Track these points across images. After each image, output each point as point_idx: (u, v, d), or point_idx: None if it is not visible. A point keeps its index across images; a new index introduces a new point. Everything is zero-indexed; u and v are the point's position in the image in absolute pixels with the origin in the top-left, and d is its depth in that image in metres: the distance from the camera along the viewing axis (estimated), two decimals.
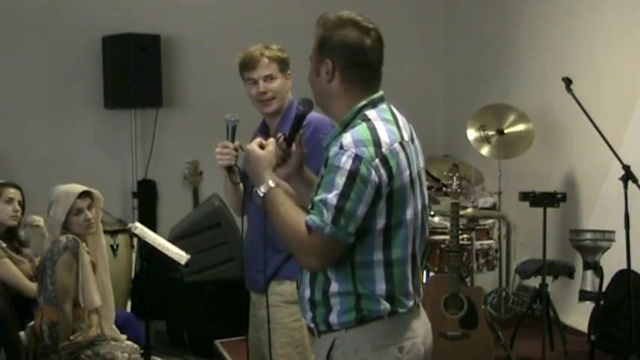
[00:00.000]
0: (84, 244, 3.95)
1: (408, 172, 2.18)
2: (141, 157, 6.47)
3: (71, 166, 6.11)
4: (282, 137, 2.34)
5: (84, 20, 6.22)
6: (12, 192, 4.38)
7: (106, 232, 4.49)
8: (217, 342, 5.11)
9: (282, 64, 3.11)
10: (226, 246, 5.08)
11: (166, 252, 3.98)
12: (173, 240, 4.57)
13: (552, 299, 5.05)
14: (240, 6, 6.66)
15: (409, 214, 2.19)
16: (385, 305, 2.20)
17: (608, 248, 4.79)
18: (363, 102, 2.24)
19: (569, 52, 5.84)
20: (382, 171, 2.11)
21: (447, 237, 4.79)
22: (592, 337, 4.60)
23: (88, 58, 6.27)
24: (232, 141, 3.05)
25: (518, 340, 5.03)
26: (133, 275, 5.81)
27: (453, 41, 7.31)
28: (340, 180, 2.09)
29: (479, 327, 4.56)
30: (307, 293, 2.28)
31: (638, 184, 4.25)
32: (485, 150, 5.76)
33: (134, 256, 5.74)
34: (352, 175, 2.09)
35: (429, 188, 5.49)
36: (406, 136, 2.24)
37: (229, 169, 3.04)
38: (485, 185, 6.20)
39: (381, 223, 2.15)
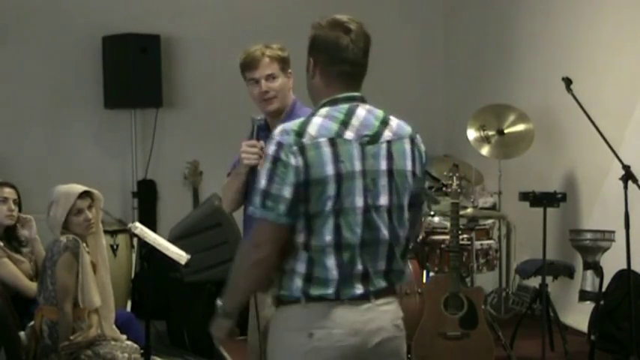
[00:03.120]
0: (84, 244, 3.95)
1: (332, 167, 2.29)
2: (141, 157, 6.48)
3: (71, 166, 6.11)
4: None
5: (84, 20, 6.23)
6: (7, 191, 4.37)
7: (106, 232, 4.49)
8: None
9: (283, 63, 3.13)
10: (226, 246, 5.08)
11: (166, 252, 3.98)
12: (173, 240, 4.57)
13: (552, 299, 5.05)
14: (240, 6, 6.67)
15: (329, 205, 2.29)
16: (298, 284, 2.31)
17: (608, 248, 4.79)
18: (324, 100, 2.39)
19: (570, 52, 5.84)
20: (299, 158, 2.27)
21: (447, 237, 4.79)
22: (592, 337, 4.60)
23: (88, 58, 6.27)
24: (257, 140, 3.04)
25: (518, 340, 5.03)
26: (133, 275, 5.81)
27: (453, 41, 7.31)
28: (267, 166, 2.30)
29: (479, 327, 4.56)
30: None
31: (638, 184, 4.25)
32: (485, 150, 5.76)
33: (134, 256, 5.74)
34: (275, 160, 2.28)
35: (429, 188, 5.49)
36: (350, 135, 2.33)
37: (252, 169, 3.01)
38: (485, 185, 6.20)
39: (302, 209, 2.29)
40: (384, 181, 2.36)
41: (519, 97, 6.15)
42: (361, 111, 2.39)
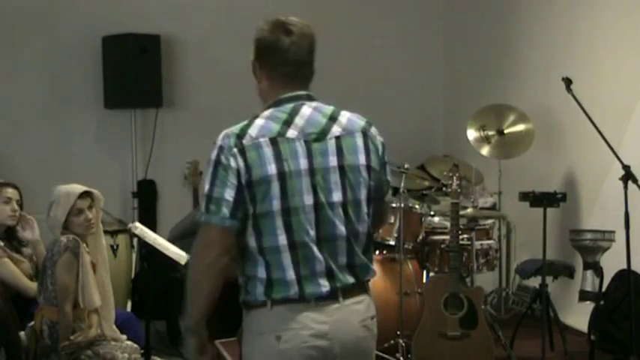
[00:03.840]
0: (84, 245, 3.95)
1: (274, 166, 2.30)
2: (141, 157, 6.48)
3: (71, 166, 6.11)
4: None
5: (84, 20, 6.23)
6: (10, 192, 4.38)
7: (106, 232, 4.49)
8: (217, 342, 5.11)
9: None
10: None
11: (166, 252, 3.98)
12: (173, 240, 4.57)
13: (552, 299, 5.05)
14: (240, 6, 6.66)
15: (276, 205, 2.30)
16: (260, 289, 2.33)
17: (608, 248, 4.79)
18: (270, 102, 2.42)
19: (569, 52, 5.84)
20: (239, 159, 2.30)
21: (447, 237, 4.79)
22: (592, 337, 4.60)
23: (88, 58, 6.27)
24: None
25: (518, 340, 5.03)
26: (133, 275, 5.80)
27: (453, 41, 7.31)
28: (209, 170, 2.34)
29: (479, 327, 4.56)
30: None
31: (638, 184, 4.25)
32: (485, 150, 5.76)
33: (134, 256, 5.73)
34: (215, 164, 2.32)
35: (429, 188, 5.50)
36: (293, 134, 2.34)
37: None
38: (485, 185, 6.20)
39: (250, 210, 2.31)
40: (335, 178, 2.36)
41: (519, 97, 6.15)
42: (306, 109, 2.40)
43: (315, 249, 2.33)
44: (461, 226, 4.81)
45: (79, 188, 4.00)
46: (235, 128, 2.36)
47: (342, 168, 2.37)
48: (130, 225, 4.03)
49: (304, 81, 2.44)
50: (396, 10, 7.10)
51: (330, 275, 2.35)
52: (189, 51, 6.58)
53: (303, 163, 2.33)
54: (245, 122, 2.37)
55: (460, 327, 4.54)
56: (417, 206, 5.20)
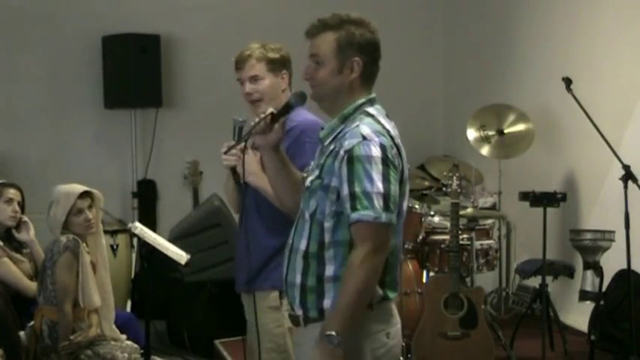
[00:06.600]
0: (84, 244, 3.95)
1: (407, 166, 2.32)
2: (141, 157, 6.48)
3: (71, 166, 6.11)
4: (270, 112, 2.50)
5: (84, 20, 6.23)
6: (12, 192, 4.38)
7: (106, 232, 4.49)
8: (217, 342, 5.11)
9: (273, 64, 3.03)
10: (226, 246, 5.08)
11: (166, 252, 3.98)
12: (173, 240, 4.57)
13: (552, 299, 5.06)
14: (240, 6, 6.67)
15: (405, 206, 2.32)
16: (378, 291, 2.29)
17: (608, 248, 4.79)
18: (362, 100, 2.34)
19: (569, 52, 5.84)
20: (398, 159, 2.25)
21: (447, 237, 4.79)
22: (592, 337, 4.60)
23: (88, 58, 6.27)
24: (239, 142, 3.01)
25: (518, 340, 5.03)
26: (133, 275, 5.81)
27: (453, 41, 7.31)
28: (376, 168, 2.17)
29: (479, 327, 4.56)
30: (298, 279, 2.32)
31: (638, 184, 4.25)
32: (485, 150, 5.76)
33: (134, 256, 5.74)
34: (385, 162, 2.18)
35: (429, 188, 5.50)
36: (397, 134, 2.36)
37: (233, 170, 3.01)
38: (485, 185, 6.20)
39: None
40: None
41: (519, 97, 6.15)
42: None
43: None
44: (461, 226, 4.81)
45: (79, 188, 4.00)
46: (374, 125, 2.25)
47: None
48: (130, 225, 4.03)
49: None
50: (395, 10, 7.10)
51: None
52: (189, 51, 6.58)
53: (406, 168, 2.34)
54: (370, 119, 2.27)
55: (460, 327, 4.54)
56: (417, 206, 5.20)
